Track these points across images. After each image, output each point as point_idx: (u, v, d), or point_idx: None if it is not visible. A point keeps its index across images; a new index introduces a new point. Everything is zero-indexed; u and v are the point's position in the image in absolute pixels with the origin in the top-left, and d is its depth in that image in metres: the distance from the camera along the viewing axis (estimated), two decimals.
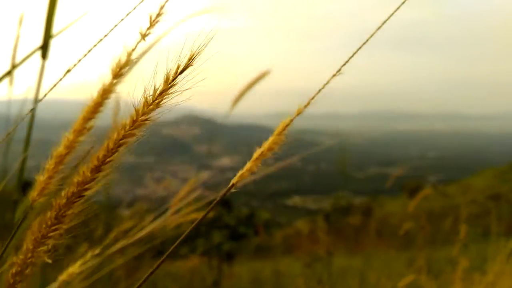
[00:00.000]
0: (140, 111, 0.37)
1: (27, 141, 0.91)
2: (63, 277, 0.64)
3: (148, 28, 0.38)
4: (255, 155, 0.43)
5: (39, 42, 0.92)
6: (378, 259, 4.00)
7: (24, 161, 0.94)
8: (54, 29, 0.93)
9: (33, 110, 0.89)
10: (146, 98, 0.36)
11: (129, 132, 0.37)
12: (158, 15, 0.38)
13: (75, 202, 0.38)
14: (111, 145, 0.37)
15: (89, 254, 0.66)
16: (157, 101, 0.36)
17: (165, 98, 0.36)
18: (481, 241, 3.70)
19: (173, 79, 0.36)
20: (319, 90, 0.43)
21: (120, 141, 0.37)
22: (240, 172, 0.43)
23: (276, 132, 0.43)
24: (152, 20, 0.38)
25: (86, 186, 0.37)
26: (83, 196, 0.38)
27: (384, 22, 0.45)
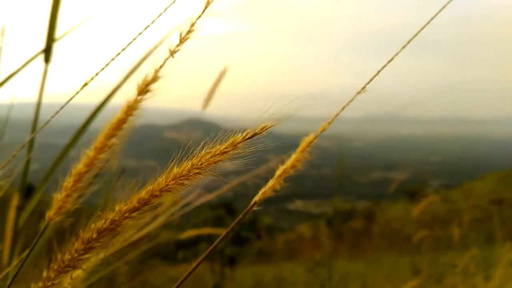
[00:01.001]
0: (197, 163, 0.35)
1: (31, 145, 0.91)
2: (67, 280, 0.63)
3: (178, 45, 0.36)
4: (278, 172, 0.42)
5: (42, 45, 0.92)
6: (381, 264, 3.98)
7: (27, 165, 0.93)
8: (57, 33, 0.94)
9: (38, 113, 0.89)
10: (213, 150, 0.36)
11: (177, 181, 0.35)
12: (189, 32, 0.36)
13: (106, 236, 0.36)
14: (156, 191, 0.35)
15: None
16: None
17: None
18: (484, 246, 3.67)
19: None
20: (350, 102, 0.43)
21: (167, 188, 0.35)
22: (262, 190, 0.42)
23: (299, 150, 0.43)
24: (182, 38, 0.36)
25: (120, 222, 0.36)
26: (115, 231, 0.36)
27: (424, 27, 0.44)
